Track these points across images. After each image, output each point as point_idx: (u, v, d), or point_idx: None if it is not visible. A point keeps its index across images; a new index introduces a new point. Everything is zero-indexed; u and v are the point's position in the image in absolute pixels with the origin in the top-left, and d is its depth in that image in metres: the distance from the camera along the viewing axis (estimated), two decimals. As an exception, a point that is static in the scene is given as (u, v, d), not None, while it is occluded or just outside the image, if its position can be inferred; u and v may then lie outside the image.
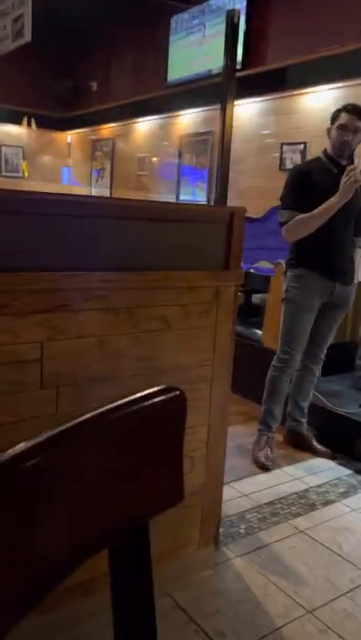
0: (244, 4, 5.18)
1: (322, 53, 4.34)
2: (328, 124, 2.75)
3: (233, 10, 1.87)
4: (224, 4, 5.31)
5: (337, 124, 2.64)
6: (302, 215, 2.62)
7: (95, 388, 1.60)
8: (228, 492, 2.51)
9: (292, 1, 4.90)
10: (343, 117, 2.63)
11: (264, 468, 2.79)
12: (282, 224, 2.70)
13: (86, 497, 0.52)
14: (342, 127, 2.62)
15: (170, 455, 0.60)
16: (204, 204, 5.26)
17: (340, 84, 4.29)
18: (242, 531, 2.26)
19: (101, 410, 0.52)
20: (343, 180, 2.54)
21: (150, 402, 0.56)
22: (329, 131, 2.70)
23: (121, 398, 0.55)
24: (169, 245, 1.74)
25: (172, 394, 0.58)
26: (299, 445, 3.02)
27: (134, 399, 0.55)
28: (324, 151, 2.75)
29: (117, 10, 6.29)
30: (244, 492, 2.58)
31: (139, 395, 0.55)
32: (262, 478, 2.72)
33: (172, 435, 0.60)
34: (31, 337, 1.46)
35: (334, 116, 2.69)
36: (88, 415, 0.51)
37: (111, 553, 0.61)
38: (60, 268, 1.48)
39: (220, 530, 2.17)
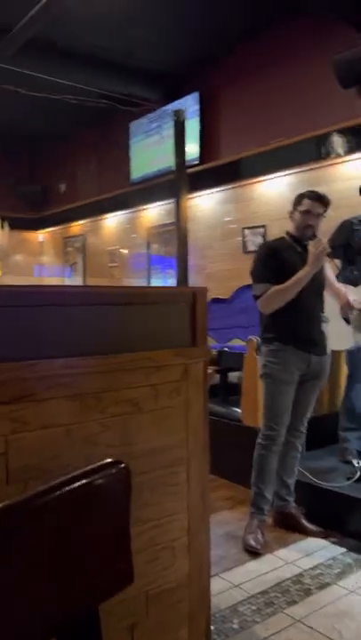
0: (197, 107, 5.62)
1: (270, 146, 4.69)
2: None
3: (178, 110, 2.03)
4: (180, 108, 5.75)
5: (301, 209, 2.81)
6: (277, 287, 2.71)
7: (65, 479, 1.53)
8: (217, 583, 2.37)
9: (240, 102, 5.35)
10: (306, 204, 2.80)
11: (254, 553, 2.66)
12: (257, 297, 2.77)
13: (26, 581, 0.48)
14: (306, 212, 2.80)
15: (116, 532, 0.56)
16: (166, 286, 5.38)
17: (289, 171, 4.59)
18: (235, 626, 2.10)
19: (37, 491, 0.50)
20: (311, 250, 2.68)
21: (92, 477, 0.53)
22: (292, 214, 2.87)
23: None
24: (134, 327, 1.76)
25: (115, 468, 0.55)
26: (289, 526, 2.90)
27: (75, 476, 0.53)
28: (288, 232, 2.91)
29: (79, 118, 6.76)
30: (235, 582, 2.42)
31: (80, 471, 0.53)
32: (254, 566, 2.57)
33: (116, 510, 0.57)
34: (-6, 431, 1.42)
35: (297, 201, 2.86)
36: (20, 498, 0.48)
37: (60, 647, 0.55)
38: (22, 357, 1.47)
39: (212, 627, 2.01)
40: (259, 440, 2.84)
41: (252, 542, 2.69)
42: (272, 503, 2.88)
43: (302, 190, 2.94)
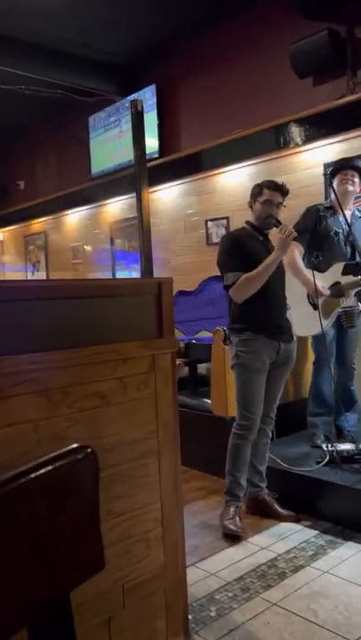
0: (155, 99, 5.59)
1: (229, 137, 4.70)
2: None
3: (136, 100, 2.00)
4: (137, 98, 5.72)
5: (261, 199, 2.85)
6: (247, 274, 2.74)
7: (34, 476, 1.50)
8: (193, 573, 2.38)
9: (198, 94, 5.34)
10: (267, 194, 2.84)
11: (235, 537, 2.70)
12: (228, 286, 2.79)
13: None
14: (267, 202, 2.83)
15: (84, 516, 0.55)
16: (132, 278, 5.36)
17: (250, 162, 4.62)
18: (213, 614, 2.11)
19: (2, 478, 0.48)
20: (279, 235, 2.72)
21: (59, 463, 0.52)
22: (252, 204, 2.90)
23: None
24: (100, 320, 1.74)
25: (82, 453, 0.54)
26: (262, 512, 2.93)
27: (41, 462, 0.51)
28: (248, 222, 2.94)
29: (36, 111, 6.64)
30: (211, 571, 2.44)
31: (46, 457, 0.51)
32: (229, 553, 2.59)
33: (85, 494, 0.56)
34: None
35: (256, 192, 2.88)
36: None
37: (31, 634, 0.54)
38: (-15, 353, 1.43)
39: (190, 616, 2.02)
40: (234, 429, 2.86)
41: (232, 527, 2.73)
42: (246, 490, 2.91)
43: (263, 180, 2.96)
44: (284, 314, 2.91)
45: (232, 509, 2.81)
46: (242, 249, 2.81)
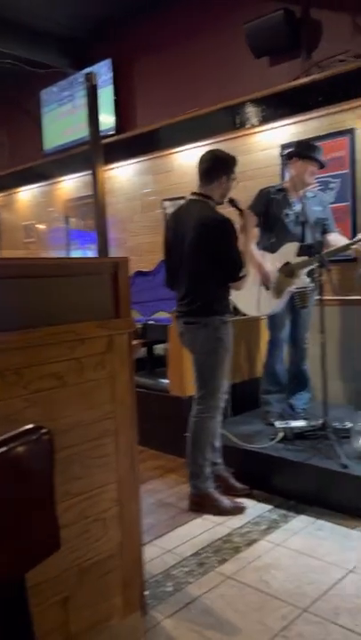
0: (111, 74, 5.46)
1: (186, 116, 4.66)
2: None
3: (90, 73, 1.95)
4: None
5: (234, 176, 2.79)
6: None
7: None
8: (150, 550, 2.41)
9: (155, 71, 5.25)
10: (234, 172, 2.80)
11: (242, 510, 2.78)
12: (240, 278, 2.75)
13: None
14: (235, 180, 2.81)
15: (40, 497, 0.54)
16: (87, 257, 5.28)
17: (206, 142, 4.59)
18: (169, 589, 2.15)
19: None
20: (241, 221, 2.77)
21: (13, 444, 0.51)
22: (222, 178, 2.78)
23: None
24: (56, 300, 1.71)
25: (36, 434, 0.53)
26: (219, 487, 2.99)
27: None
28: (210, 198, 2.80)
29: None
30: (167, 547, 2.47)
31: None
32: (185, 530, 2.64)
33: (40, 475, 0.55)
34: None
35: (229, 168, 2.78)
36: None
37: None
38: None
39: (146, 592, 2.06)
40: (210, 413, 2.82)
41: (230, 503, 2.80)
42: None
43: (227, 153, 2.86)
44: None
45: (217, 491, 2.85)
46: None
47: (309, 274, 3.30)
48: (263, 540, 2.50)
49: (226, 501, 2.80)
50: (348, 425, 3.09)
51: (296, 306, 3.34)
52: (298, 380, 3.62)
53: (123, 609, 1.85)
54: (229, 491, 2.94)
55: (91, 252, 5.98)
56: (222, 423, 3.04)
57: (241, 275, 2.74)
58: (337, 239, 3.38)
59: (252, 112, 4.19)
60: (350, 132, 3.77)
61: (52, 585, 1.63)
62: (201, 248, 2.72)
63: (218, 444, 3.02)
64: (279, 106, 4.03)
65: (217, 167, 2.79)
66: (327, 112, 3.86)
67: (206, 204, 2.79)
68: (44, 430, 0.56)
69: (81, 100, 5.83)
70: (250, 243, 2.78)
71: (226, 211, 2.83)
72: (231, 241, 2.70)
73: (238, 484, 2.97)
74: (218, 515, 2.74)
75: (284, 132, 4.15)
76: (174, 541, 2.53)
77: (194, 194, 2.85)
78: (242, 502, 2.83)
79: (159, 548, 2.47)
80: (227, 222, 2.68)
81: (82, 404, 1.73)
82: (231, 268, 2.73)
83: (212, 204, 2.79)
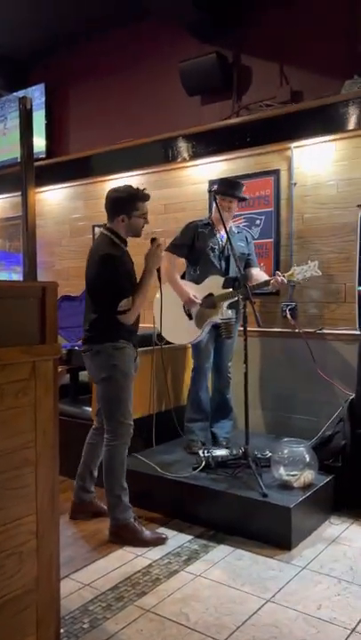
0: (43, 99, 5.46)
1: (119, 145, 4.72)
2: None
3: (24, 97, 1.94)
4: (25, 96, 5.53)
5: (139, 213, 2.77)
6: (137, 298, 2.70)
7: None
8: (67, 585, 2.33)
9: (90, 99, 5.31)
10: (142, 207, 2.78)
11: (163, 540, 2.75)
12: (124, 312, 2.68)
13: None
14: (144, 216, 2.81)
15: None
16: (13, 280, 5.15)
17: (138, 172, 4.67)
18: (85, 625, 2.08)
19: None
20: (151, 247, 2.75)
21: None
22: (126, 219, 2.77)
23: None
24: (-23, 324, 1.65)
25: None
26: (87, 513, 3.02)
27: None
28: (116, 235, 2.80)
29: None
30: (85, 581, 2.40)
31: None
32: (104, 563, 2.57)
33: None
34: None
35: (130, 206, 2.75)
36: None
37: None
38: None
39: (62, 630, 1.98)
40: (119, 442, 2.77)
41: (151, 534, 2.77)
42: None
43: (126, 190, 2.81)
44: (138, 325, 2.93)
45: (137, 522, 2.80)
46: (125, 270, 2.75)
47: (231, 306, 3.41)
48: (183, 570, 2.48)
49: (146, 532, 2.77)
50: (269, 454, 3.17)
51: (221, 335, 3.42)
52: (221, 409, 3.68)
53: (36, 649, 1.76)
54: (101, 514, 2.98)
55: (17, 275, 5.84)
56: (145, 452, 3.02)
57: (120, 309, 2.67)
58: (258, 274, 3.54)
59: (183, 147, 4.32)
60: (276, 172, 3.98)
61: None
62: (87, 279, 2.81)
63: (96, 471, 3.02)
64: (210, 143, 4.18)
65: (114, 207, 2.79)
66: (254, 152, 4.05)
67: (106, 238, 2.80)
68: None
69: (12, 122, 5.78)
70: (154, 270, 2.76)
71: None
72: (105, 275, 2.69)
73: (104, 506, 2.91)
74: (138, 546, 2.70)
75: (214, 168, 4.30)
76: (92, 575, 2.46)
77: (104, 226, 2.87)
78: (163, 533, 2.81)
79: (77, 582, 2.39)
80: (104, 256, 2.69)
81: (0, 433, 1.67)
82: (107, 301, 2.69)
83: (115, 240, 2.78)
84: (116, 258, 2.73)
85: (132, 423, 2.82)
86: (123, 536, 2.74)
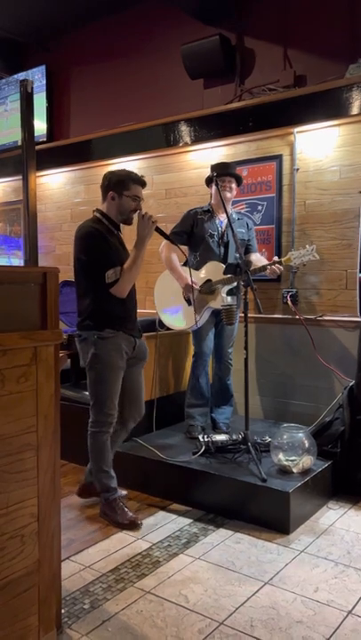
0: (44, 81, 5.40)
1: (120, 129, 4.68)
2: None
3: (25, 80, 1.92)
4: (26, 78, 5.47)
5: (129, 194, 2.74)
6: (127, 267, 2.68)
7: None
8: (68, 567, 2.37)
9: (91, 82, 5.25)
10: (134, 189, 2.76)
11: (136, 525, 2.76)
12: (111, 284, 2.68)
13: None
14: (136, 198, 2.77)
15: None
16: (15, 266, 5.15)
17: (139, 156, 4.63)
18: (86, 606, 2.11)
19: None
20: (141, 221, 2.70)
21: None
22: (116, 197, 2.75)
23: None
24: (-22, 309, 1.65)
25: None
26: (92, 494, 3.03)
27: None
28: (103, 214, 2.79)
29: None
30: (86, 563, 2.43)
31: None
32: (104, 545, 2.61)
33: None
34: None
35: (120, 185, 2.74)
36: None
37: None
38: None
39: (63, 610, 2.01)
40: (97, 428, 2.81)
41: (131, 516, 2.79)
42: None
43: (120, 171, 2.84)
44: (136, 310, 2.92)
45: (120, 503, 2.83)
46: (108, 244, 2.71)
47: (230, 292, 3.41)
48: (183, 553, 2.52)
49: (124, 515, 2.78)
50: (268, 439, 3.20)
51: (223, 322, 3.42)
52: (221, 395, 3.70)
53: (38, 629, 1.80)
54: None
55: (17, 260, 5.83)
56: (146, 436, 3.05)
57: (108, 281, 2.66)
58: (258, 259, 3.53)
59: (185, 131, 4.28)
60: (278, 157, 3.95)
61: (-36, 606, 1.56)
62: (74, 260, 2.79)
63: (111, 457, 3.00)
64: (212, 127, 4.15)
65: (105, 185, 2.80)
66: (257, 137, 4.02)
67: (93, 217, 2.81)
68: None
69: (13, 104, 5.72)
70: (146, 243, 2.71)
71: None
72: (86, 248, 2.70)
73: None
74: (115, 527, 2.77)
75: (216, 152, 4.27)
76: (93, 557, 2.49)
77: (96, 210, 2.85)
78: (139, 519, 2.81)
79: (78, 564, 2.43)
80: (86, 231, 2.71)
81: (2, 418, 1.68)
82: (93, 277, 2.69)
83: (102, 219, 2.77)
84: (98, 231, 2.71)
85: (112, 413, 2.80)
86: (107, 514, 2.83)
